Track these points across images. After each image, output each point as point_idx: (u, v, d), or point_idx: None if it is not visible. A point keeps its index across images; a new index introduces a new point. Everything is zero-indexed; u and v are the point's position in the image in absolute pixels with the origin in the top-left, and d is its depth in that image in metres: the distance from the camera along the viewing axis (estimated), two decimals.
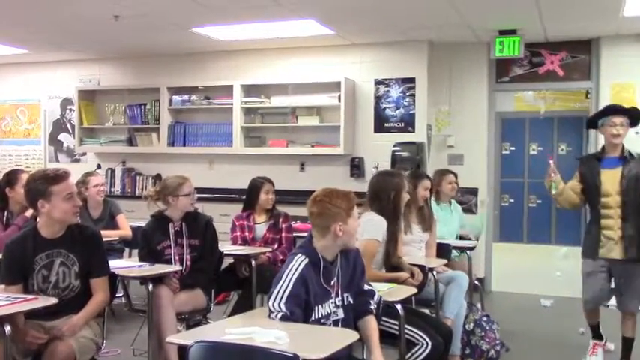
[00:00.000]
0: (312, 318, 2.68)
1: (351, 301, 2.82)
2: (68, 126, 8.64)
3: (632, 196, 4.18)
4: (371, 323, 2.86)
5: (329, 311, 2.73)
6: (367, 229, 3.69)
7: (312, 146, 7.26)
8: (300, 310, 2.60)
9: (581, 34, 6.65)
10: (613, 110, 4.35)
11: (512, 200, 10.65)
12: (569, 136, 10.30)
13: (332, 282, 2.75)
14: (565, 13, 5.82)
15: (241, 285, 4.87)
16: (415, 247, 4.48)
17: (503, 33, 6.40)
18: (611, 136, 4.25)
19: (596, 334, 4.70)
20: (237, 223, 5.12)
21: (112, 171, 8.25)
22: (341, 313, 2.78)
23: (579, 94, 8.07)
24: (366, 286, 2.91)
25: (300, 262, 2.68)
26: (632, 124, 4.35)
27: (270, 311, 2.61)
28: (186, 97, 7.77)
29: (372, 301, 2.88)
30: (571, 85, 7.21)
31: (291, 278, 2.63)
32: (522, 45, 6.39)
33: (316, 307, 2.69)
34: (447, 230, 5.22)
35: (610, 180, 4.23)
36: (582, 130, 7.81)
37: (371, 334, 2.82)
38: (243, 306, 4.53)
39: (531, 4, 5.47)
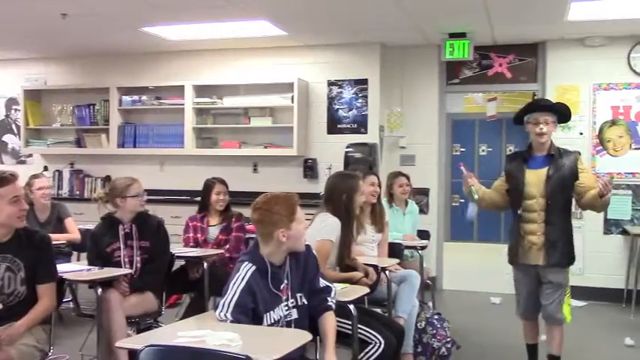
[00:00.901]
0: (264, 325, 2.67)
1: (305, 302, 2.80)
2: (13, 127, 8.41)
3: (557, 198, 3.84)
4: (329, 320, 2.85)
5: (281, 315, 2.72)
6: (321, 229, 3.71)
7: (265, 147, 7.24)
8: (247, 318, 2.59)
9: (528, 37, 6.82)
10: (537, 106, 4.01)
11: (462, 200, 10.84)
12: (517, 137, 10.52)
13: (281, 286, 2.74)
14: (512, 17, 5.95)
15: (193, 287, 4.82)
16: (368, 247, 4.51)
17: (453, 36, 6.52)
18: (536, 135, 3.89)
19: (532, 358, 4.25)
20: (190, 224, 5.08)
21: (60, 173, 8.06)
22: (295, 314, 2.77)
23: (527, 96, 8.26)
24: (322, 283, 2.90)
25: (247, 271, 2.65)
26: (562, 121, 4.03)
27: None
28: (136, 97, 7.65)
29: (329, 298, 2.87)
30: (519, 87, 7.38)
31: (238, 287, 2.60)
32: (472, 48, 6.52)
33: (267, 315, 2.67)
34: (396, 233, 5.26)
35: (535, 181, 3.88)
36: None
37: (328, 331, 2.81)
38: (196, 309, 4.47)
39: (480, 8, 5.58)
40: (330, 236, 3.72)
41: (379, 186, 4.70)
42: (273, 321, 2.70)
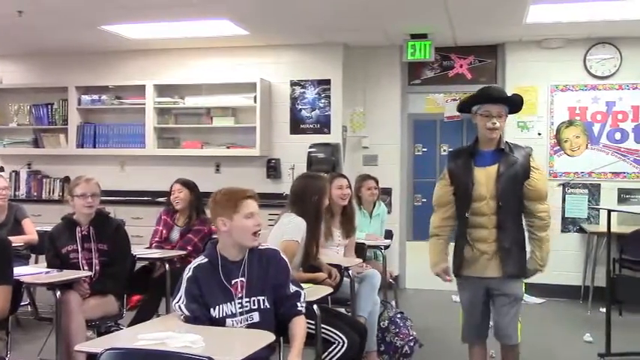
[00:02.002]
0: (213, 316, 2.69)
1: (269, 306, 2.77)
2: None
3: (509, 199, 3.35)
4: (299, 323, 2.82)
5: (233, 311, 2.71)
6: (287, 230, 3.72)
7: (228, 147, 7.20)
8: (198, 305, 2.67)
9: (488, 39, 6.93)
10: (490, 98, 3.41)
11: (424, 200, 10.92)
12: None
13: (233, 281, 2.73)
14: (473, 19, 6.04)
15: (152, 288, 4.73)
16: (332, 250, 4.51)
17: (415, 37, 6.58)
18: (488, 130, 3.36)
19: None
20: (162, 217, 5.06)
21: (17, 173, 7.88)
22: (256, 317, 2.74)
23: None
24: (292, 289, 2.85)
25: (197, 263, 2.77)
26: (512, 111, 3.51)
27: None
28: (96, 96, 7.54)
29: (299, 303, 2.84)
30: (479, 88, 7.47)
31: (185, 277, 2.73)
32: (433, 49, 6.59)
33: (218, 307, 2.70)
34: (359, 233, 5.27)
35: (484, 180, 3.37)
36: None
37: (297, 334, 2.78)
38: (147, 311, 4.40)
39: (441, 10, 5.64)
40: (296, 237, 3.72)
41: (349, 188, 4.70)
42: (225, 314, 2.70)
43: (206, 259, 2.78)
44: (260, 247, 2.86)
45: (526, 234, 3.49)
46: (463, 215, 3.43)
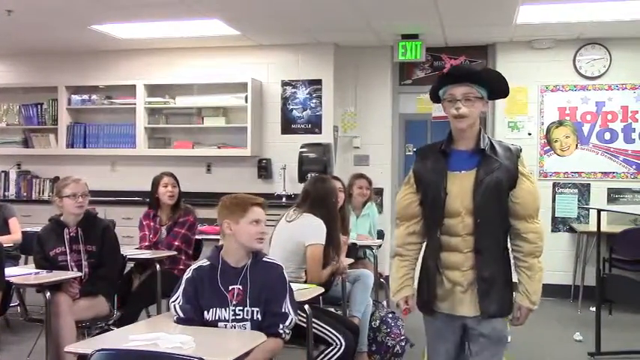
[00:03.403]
0: (206, 318, 2.69)
1: (259, 318, 2.73)
2: None
3: (490, 214, 2.57)
4: (267, 342, 2.56)
5: (226, 317, 2.70)
6: (312, 232, 3.75)
7: (219, 147, 7.19)
8: (192, 307, 2.69)
9: (479, 39, 6.95)
10: (451, 77, 2.62)
11: None
12: None
13: (230, 287, 2.72)
14: (463, 19, 6.05)
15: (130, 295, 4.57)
16: None
17: (406, 37, 6.60)
18: (453, 118, 2.59)
19: None
20: (144, 222, 4.90)
21: (6, 174, 7.83)
22: (248, 327, 2.71)
23: None
24: (283, 309, 2.74)
25: (199, 265, 2.80)
26: (496, 95, 2.70)
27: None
28: (86, 96, 7.50)
29: (281, 325, 2.71)
30: None
31: (185, 278, 2.76)
32: (424, 49, 6.61)
33: (211, 310, 2.69)
34: (352, 236, 5.27)
35: (458, 189, 2.58)
36: (480, 131, 8.16)
37: (256, 349, 2.48)
38: (132, 313, 4.30)
39: (432, 10, 5.66)
40: (322, 240, 3.77)
41: (343, 191, 4.71)
42: (218, 317, 2.69)
43: (208, 262, 2.80)
44: (264, 260, 2.84)
45: (513, 261, 2.70)
46: (433, 235, 2.63)
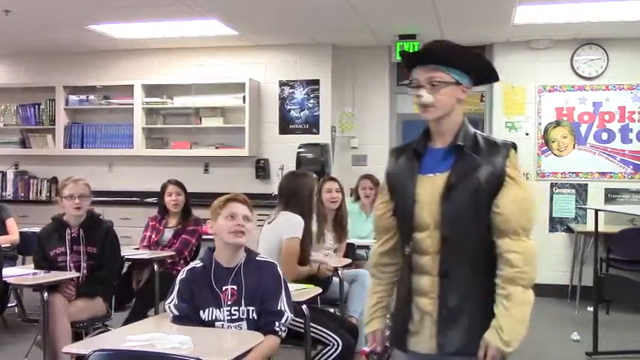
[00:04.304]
0: (203, 318, 2.69)
1: (255, 317, 2.74)
2: None
3: (462, 228, 2.06)
4: (265, 340, 2.58)
5: (222, 317, 2.70)
6: (287, 228, 3.77)
7: (217, 147, 7.19)
8: (188, 306, 2.69)
9: (476, 39, 6.95)
10: (415, 58, 2.17)
11: None
12: None
13: (224, 288, 2.72)
14: (461, 19, 6.06)
15: (136, 294, 4.64)
16: (323, 253, 4.51)
17: (404, 37, 6.60)
18: (418, 108, 2.13)
19: None
20: (150, 223, 5.01)
21: (4, 174, 7.82)
22: (244, 327, 2.71)
23: (474, 98, 8.41)
24: (279, 307, 2.74)
25: (192, 266, 2.82)
26: (482, 80, 2.21)
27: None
28: (83, 96, 7.49)
29: (277, 323, 2.71)
30: None
31: (179, 279, 2.77)
32: None
33: (207, 310, 2.70)
34: (356, 233, 5.27)
35: (427, 197, 2.09)
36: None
37: (255, 348, 2.50)
38: (138, 314, 4.35)
39: (429, 10, 5.66)
40: (298, 234, 3.78)
41: (340, 192, 4.70)
42: (214, 318, 2.69)
43: (201, 264, 2.81)
44: (258, 259, 2.85)
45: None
46: (403, 252, 2.18)
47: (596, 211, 5.07)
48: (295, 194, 3.91)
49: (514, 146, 2.11)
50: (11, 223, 5.49)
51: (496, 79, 2.20)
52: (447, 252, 2.07)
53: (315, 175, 4.28)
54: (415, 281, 2.13)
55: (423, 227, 2.10)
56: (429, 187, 2.10)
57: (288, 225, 3.78)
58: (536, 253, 2.09)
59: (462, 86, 2.12)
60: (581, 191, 6.84)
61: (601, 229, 5.23)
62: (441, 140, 2.15)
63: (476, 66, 2.16)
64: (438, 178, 2.10)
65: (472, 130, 2.15)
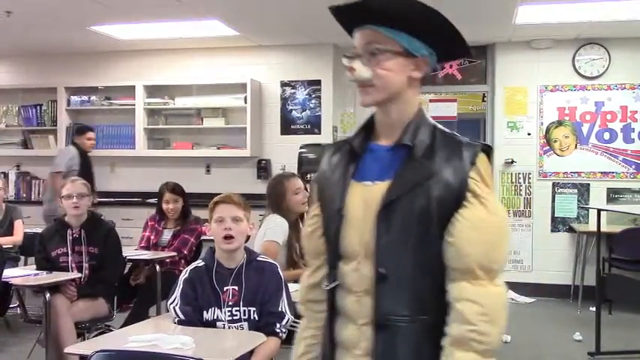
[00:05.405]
0: (205, 318, 2.69)
1: (256, 317, 2.73)
2: None
3: (402, 261, 1.46)
4: (266, 342, 2.56)
5: (223, 318, 2.70)
6: (267, 231, 3.74)
7: (218, 148, 7.19)
8: (191, 309, 2.68)
9: (478, 39, 6.94)
10: (341, 18, 1.69)
11: None
12: (468, 137, 10.73)
13: (225, 288, 2.72)
14: (462, 19, 6.02)
15: (136, 294, 4.64)
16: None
17: None
18: (358, 89, 1.57)
19: None
20: (149, 223, 4.98)
21: (6, 175, 7.83)
22: (245, 328, 2.71)
23: (476, 97, 8.41)
24: (279, 308, 2.72)
25: (195, 266, 2.80)
26: (445, 53, 1.64)
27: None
28: (85, 97, 7.50)
29: (278, 324, 2.68)
30: (469, 89, 7.52)
31: (182, 279, 2.75)
32: None
33: (210, 309, 2.70)
34: None
35: (361, 213, 1.51)
36: (480, 131, 8.15)
37: (256, 352, 2.51)
38: (138, 315, 4.34)
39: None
40: (277, 238, 3.72)
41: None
42: (216, 317, 2.69)
43: (203, 263, 2.80)
44: (259, 259, 2.84)
45: None
46: (327, 284, 1.58)
47: (599, 210, 5.07)
48: (279, 196, 3.87)
49: (486, 149, 1.51)
50: (18, 225, 5.55)
51: (466, 52, 1.65)
52: (382, 293, 1.46)
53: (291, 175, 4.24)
54: (338, 330, 1.55)
55: (350, 255, 1.51)
56: (363, 200, 1.50)
57: (267, 228, 3.75)
58: (504, 305, 1.44)
59: (417, 59, 1.52)
60: (583, 191, 6.83)
61: (603, 228, 5.22)
62: (387, 135, 1.55)
63: (437, 30, 1.56)
64: (377, 188, 1.49)
65: (430, 123, 1.54)
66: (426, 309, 1.47)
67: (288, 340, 3.09)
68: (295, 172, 6.68)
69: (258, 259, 2.85)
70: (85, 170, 6.35)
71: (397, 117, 1.54)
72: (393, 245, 1.46)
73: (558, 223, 6.90)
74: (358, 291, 1.50)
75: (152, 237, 4.90)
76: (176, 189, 4.91)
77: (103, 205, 6.68)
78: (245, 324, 2.72)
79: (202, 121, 7.21)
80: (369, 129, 1.60)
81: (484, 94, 7.34)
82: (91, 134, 6.66)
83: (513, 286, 6.76)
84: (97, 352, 2.16)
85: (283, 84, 7.21)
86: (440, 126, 1.55)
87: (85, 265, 4.02)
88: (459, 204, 1.44)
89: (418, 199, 1.45)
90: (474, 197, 1.45)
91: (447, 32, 1.58)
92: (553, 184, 6.89)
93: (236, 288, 2.73)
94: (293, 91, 7.18)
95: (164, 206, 4.87)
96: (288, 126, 7.19)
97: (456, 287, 1.43)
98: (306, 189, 4.15)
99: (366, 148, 1.58)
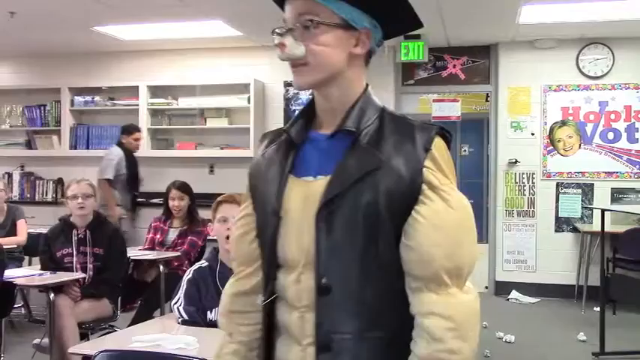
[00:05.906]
0: (209, 318, 2.70)
1: None
2: None
3: (349, 270, 1.24)
4: None
5: None
6: None
7: (222, 148, 7.19)
8: (195, 309, 2.69)
9: (481, 39, 6.94)
10: None
11: None
12: (471, 137, 10.71)
13: None
14: (466, 20, 6.05)
15: (142, 293, 4.68)
16: None
17: (408, 37, 6.59)
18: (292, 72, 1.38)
19: None
20: (153, 224, 5.02)
21: (10, 175, 7.85)
22: None
23: (480, 97, 8.40)
24: None
25: (198, 266, 2.82)
26: (392, 27, 1.44)
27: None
28: (89, 98, 7.51)
29: None
30: (472, 89, 7.51)
31: (185, 279, 2.77)
32: (426, 49, 6.60)
33: (213, 310, 2.70)
34: None
35: (300, 214, 1.28)
36: (484, 131, 8.15)
37: None
38: (144, 316, 4.35)
39: (434, 11, 5.65)
40: None
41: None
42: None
43: (206, 263, 2.81)
44: None
45: None
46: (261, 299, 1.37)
47: (603, 210, 5.06)
48: None
49: (442, 133, 1.29)
50: (21, 225, 5.55)
51: (415, 22, 1.42)
52: (325, 308, 1.25)
53: None
54: (280, 352, 1.33)
55: (290, 264, 1.30)
56: (303, 199, 1.29)
57: None
58: (476, 315, 1.25)
59: (359, 33, 1.33)
60: (587, 191, 6.81)
61: (607, 228, 5.21)
62: (328, 122, 1.34)
63: None
64: (319, 184, 1.28)
65: (378, 106, 1.36)
66: (379, 324, 1.25)
67: None
68: None
69: None
70: (132, 172, 6.32)
71: (338, 100, 1.33)
72: (337, 250, 1.24)
73: (562, 223, 6.88)
74: (300, 306, 1.27)
75: (157, 236, 4.93)
76: (183, 187, 4.98)
77: (105, 206, 6.67)
78: None
79: (206, 121, 7.22)
80: (309, 115, 1.38)
81: (487, 94, 7.33)
82: (138, 134, 6.51)
83: (517, 286, 6.76)
84: (101, 352, 2.16)
85: (286, 84, 7.21)
86: (390, 109, 1.37)
87: (90, 265, 4.03)
88: (415, 199, 1.23)
89: (364, 194, 1.23)
90: (432, 190, 1.23)
91: (394, 1, 1.33)
92: (557, 184, 6.88)
93: None
94: (296, 91, 7.18)
95: (170, 203, 4.91)
96: None
97: (421, 299, 1.22)
98: None
99: (306, 137, 1.35)
